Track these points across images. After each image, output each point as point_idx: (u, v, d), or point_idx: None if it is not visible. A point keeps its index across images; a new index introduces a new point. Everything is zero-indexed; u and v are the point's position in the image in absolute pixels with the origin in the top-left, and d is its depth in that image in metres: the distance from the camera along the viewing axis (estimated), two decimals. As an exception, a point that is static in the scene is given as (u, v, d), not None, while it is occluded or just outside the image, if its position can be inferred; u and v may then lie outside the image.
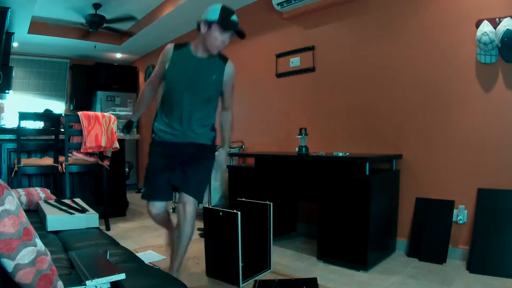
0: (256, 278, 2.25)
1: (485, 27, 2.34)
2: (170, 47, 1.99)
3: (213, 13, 1.86)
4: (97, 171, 3.65)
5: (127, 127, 2.25)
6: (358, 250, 2.42)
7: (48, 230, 1.86)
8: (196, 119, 2.02)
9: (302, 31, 3.63)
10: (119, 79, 6.74)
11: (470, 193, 2.51)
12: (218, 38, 1.88)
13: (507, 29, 2.23)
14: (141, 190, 2.12)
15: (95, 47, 6.05)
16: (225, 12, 1.87)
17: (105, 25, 5.00)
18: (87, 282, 1.02)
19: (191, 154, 2.02)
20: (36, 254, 0.90)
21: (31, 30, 5.09)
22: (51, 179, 3.52)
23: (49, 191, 2.46)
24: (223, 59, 2.06)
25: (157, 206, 2.04)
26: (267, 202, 2.41)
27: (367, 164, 2.43)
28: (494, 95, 2.43)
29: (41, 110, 5.67)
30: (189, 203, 1.93)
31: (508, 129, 2.38)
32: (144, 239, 3.14)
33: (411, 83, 2.83)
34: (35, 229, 0.96)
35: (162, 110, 2.06)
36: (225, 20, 1.86)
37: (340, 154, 2.69)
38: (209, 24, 1.87)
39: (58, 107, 6.72)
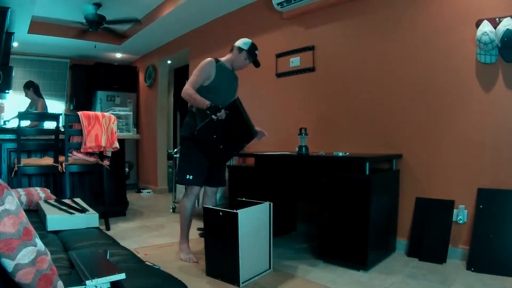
0: (256, 278, 2.26)
1: (485, 27, 2.34)
2: (213, 62, 2.64)
3: (246, 44, 2.69)
4: (97, 171, 3.65)
5: (217, 109, 2.43)
6: (358, 250, 2.42)
7: (48, 230, 1.86)
8: None
9: (302, 31, 3.63)
10: (119, 79, 6.74)
11: (470, 193, 2.51)
12: (244, 62, 2.71)
13: (507, 29, 2.23)
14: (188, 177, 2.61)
15: (95, 47, 6.05)
16: (253, 46, 2.70)
17: (105, 25, 4.99)
18: (87, 282, 1.02)
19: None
20: (36, 254, 0.90)
21: (31, 30, 5.09)
22: (51, 179, 3.52)
23: (49, 191, 2.46)
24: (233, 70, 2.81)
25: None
26: (267, 201, 2.41)
27: (367, 164, 2.43)
28: (494, 95, 2.43)
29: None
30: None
31: (508, 129, 2.38)
32: (144, 239, 3.15)
33: (411, 82, 2.83)
34: (35, 229, 0.96)
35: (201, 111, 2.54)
36: (252, 51, 2.68)
37: (340, 154, 2.69)
38: (240, 50, 2.68)
39: (58, 107, 6.72)
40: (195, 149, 2.59)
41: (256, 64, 2.75)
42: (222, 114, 2.40)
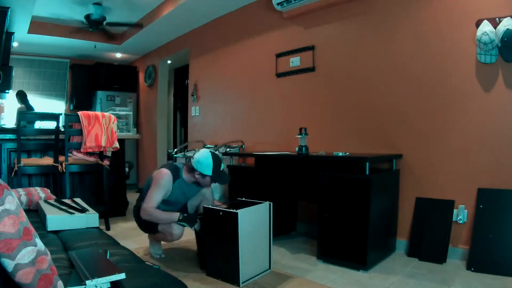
0: (256, 278, 2.26)
1: (485, 26, 2.34)
2: (171, 178, 2.41)
3: (207, 169, 2.40)
4: (97, 171, 3.65)
5: (192, 220, 2.37)
6: (358, 249, 2.42)
7: (48, 229, 1.86)
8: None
9: (302, 31, 3.63)
10: (119, 79, 6.74)
11: (470, 193, 2.51)
12: (210, 183, 2.49)
13: (507, 28, 2.23)
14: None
15: (95, 47, 6.05)
16: (217, 167, 2.41)
17: (105, 25, 4.99)
18: (87, 282, 1.02)
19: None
20: (36, 253, 0.90)
21: (31, 30, 5.09)
22: (51, 179, 3.52)
23: (49, 190, 2.46)
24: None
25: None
26: (267, 201, 2.41)
27: (367, 164, 2.43)
28: (494, 95, 2.43)
29: (41, 110, 5.68)
30: None
31: (508, 129, 2.38)
32: (144, 238, 3.14)
33: (411, 82, 2.83)
34: (35, 229, 0.96)
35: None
36: (218, 176, 2.44)
37: (340, 154, 2.69)
38: (202, 176, 2.42)
39: (58, 107, 6.72)
40: None
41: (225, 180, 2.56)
42: (197, 226, 2.34)
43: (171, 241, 2.51)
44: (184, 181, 2.48)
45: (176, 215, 2.33)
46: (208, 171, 2.40)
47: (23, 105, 5.45)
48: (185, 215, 2.36)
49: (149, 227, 2.46)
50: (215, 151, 4.03)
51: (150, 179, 2.45)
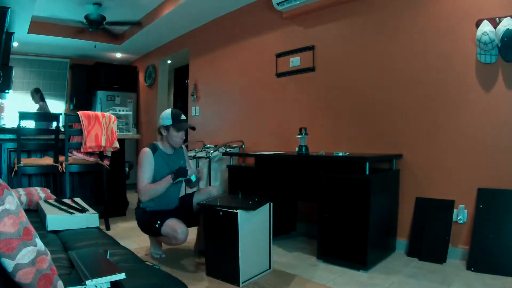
0: (256, 278, 2.26)
1: (485, 26, 2.34)
2: (150, 152, 2.49)
3: (167, 119, 2.50)
4: (97, 170, 3.65)
5: (182, 172, 2.44)
6: (358, 249, 2.42)
7: (48, 229, 1.86)
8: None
9: (302, 30, 3.63)
10: (119, 79, 6.74)
11: (470, 193, 2.51)
12: (177, 136, 2.52)
13: (507, 28, 2.23)
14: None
15: (95, 47, 6.05)
16: (175, 115, 2.51)
17: (105, 25, 5.00)
18: (87, 282, 1.02)
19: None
20: (36, 253, 0.90)
21: (31, 30, 5.09)
22: (51, 178, 3.52)
23: (49, 190, 2.46)
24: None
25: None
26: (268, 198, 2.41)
27: (367, 163, 2.43)
28: (494, 95, 2.43)
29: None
30: None
31: (508, 128, 2.38)
32: (144, 238, 3.14)
33: (411, 82, 2.83)
34: (35, 229, 0.96)
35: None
36: (177, 120, 2.50)
37: (340, 154, 2.69)
38: (167, 128, 2.50)
39: (58, 106, 6.73)
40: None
41: (192, 128, 2.65)
42: (192, 176, 2.45)
43: (176, 245, 2.48)
44: (163, 151, 2.56)
45: (169, 178, 2.41)
46: (168, 121, 2.49)
47: (43, 103, 5.45)
48: (175, 172, 2.42)
49: (152, 230, 2.45)
50: (215, 151, 4.04)
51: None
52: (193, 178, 2.46)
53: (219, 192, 2.66)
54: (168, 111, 2.56)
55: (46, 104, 5.54)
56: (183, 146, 2.74)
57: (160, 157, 2.52)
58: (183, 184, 2.74)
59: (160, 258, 2.64)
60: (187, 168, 2.58)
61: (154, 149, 2.54)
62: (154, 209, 2.51)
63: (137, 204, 2.60)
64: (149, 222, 2.44)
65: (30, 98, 5.51)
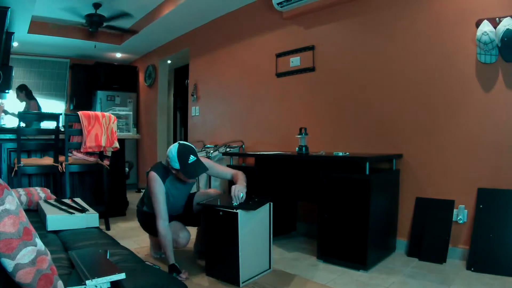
0: (256, 278, 2.26)
1: (485, 26, 2.34)
2: (160, 180, 2.31)
3: (175, 163, 2.27)
4: (97, 170, 3.65)
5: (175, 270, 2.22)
6: (358, 249, 2.42)
7: (48, 229, 1.86)
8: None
9: (302, 30, 3.63)
10: (119, 79, 6.74)
11: (470, 193, 2.51)
12: (187, 177, 2.32)
13: (507, 28, 2.23)
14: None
15: (95, 47, 6.05)
16: (183, 160, 2.25)
17: (105, 24, 5.00)
18: (87, 282, 1.02)
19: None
20: (36, 253, 0.90)
21: (31, 30, 5.09)
22: (51, 178, 3.52)
23: (49, 190, 2.46)
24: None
25: None
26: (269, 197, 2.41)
27: (367, 163, 2.43)
28: (494, 95, 2.43)
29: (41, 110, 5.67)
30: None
31: (508, 129, 2.38)
32: (144, 238, 3.14)
33: (411, 82, 2.83)
34: (35, 229, 0.96)
35: None
36: (185, 168, 2.26)
37: (340, 154, 2.69)
38: (176, 170, 2.30)
39: (58, 106, 6.72)
40: None
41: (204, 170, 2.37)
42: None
43: (175, 249, 2.38)
44: (174, 177, 2.39)
45: (169, 260, 2.22)
46: (176, 165, 2.26)
47: (33, 100, 5.25)
48: (174, 273, 2.17)
49: (153, 231, 2.42)
50: (215, 151, 4.04)
51: (147, 184, 2.39)
52: (241, 195, 2.26)
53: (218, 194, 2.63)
54: (174, 151, 2.27)
55: (37, 103, 5.32)
56: (208, 162, 2.49)
57: (170, 183, 2.37)
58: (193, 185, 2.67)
59: (160, 258, 2.64)
60: (219, 175, 2.55)
61: (165, 175, 2.34)
62: None
63: (140, 205, 2.59)
64: (152, 222, 2.40)
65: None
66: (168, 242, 2.23)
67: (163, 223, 2.24)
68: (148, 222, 2.48)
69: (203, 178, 3.96)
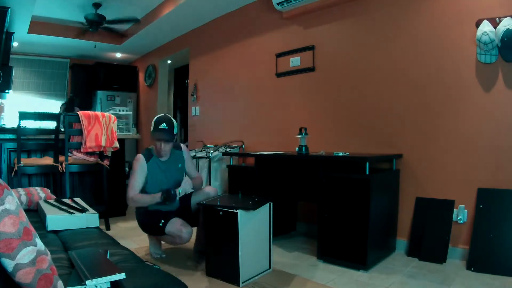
0: (256, 278, 2.26)
1: (485, 26, 2.34)
2: (143, 159, 2.48)
3: (152, 126, 2.46)
4: (97, 170, 3.65)
5: (171, 198, 2.38)
6: (358, 249, 2.42)
7: (48, 229, 1.86)
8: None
9: (302, 30, 3.63)
10: (119, 79, 6.75)
11: (470, 193, 2.51)
12: (159, 146, 2.46)
13: (507, 28, 2.23)
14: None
15: (95, 47, 6.05)
16: (155, 123, 2.44)
17: (105, 24, 5.00)
18: (87, 282, 1.02)
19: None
20: (36, 253, 0.90)
21: (31, 30, 5.09)
22: (51, 178, 3.52)
23: (49, 190, 2.46)
24: (178, 147, 2.67)
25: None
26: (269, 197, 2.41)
27: (367, 163, 2.43)
28: (494, 94, 2.43)
29: (41, 110, 5.68)
30: None
31: (508, 128, 2.38)
32: (144, 238, 3.14)
33: (411, 82, 2.83)
34: (35, 229, 0.96)
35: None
36: (155, 131, 2.43)
37: (340, 154, 2.69)
38: (152, 136, 2.47)
39: (58, 106, 6.72)
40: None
41: (167, 140, 2.44)
42: (177, 203, 2.46)
43: (178, 244, 2.48)
44: (158, 159, 2.51)
45: (158, 196, 2.37)
46: (151, 128, 2.46)
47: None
48: (165, 195, 2.35)
49: (154, 229, 2.45)
50: (215, 151, 4.04)
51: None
52: (180, 191, 2.47)
53: (216, 192, 2.64)
54: (156, 116, 2.51)
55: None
56: (183, 146, 2.71)
57: (154, 163, 2.50)
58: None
59: (160, 258, 2.64)
60: (187, 169, 2.66)
61: (149, 155, 2.51)
62: (156, 209, 2.49)
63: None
64: (152, 221, 2.44)
65: (30, 98, 5.49)
66: (140, 196, 2.42)
67: (132, 192, 2.41)
68: (147, 219, 2.50)
69: (203, 177, 3.96)
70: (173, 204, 2.45)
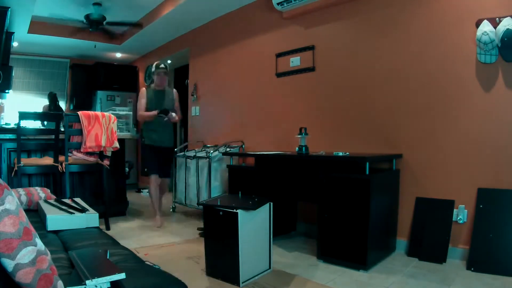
0: (256, 278, 2.26)
1: (485, 26, 2.34)
2: (143, 90, 3.81)
3: (153, 68, 3.83)
4: (97, 170, 3.65)
5: (165, 112, 3.65)
6: (358, 249, 2.42)
7: (48, 229, 1.86)
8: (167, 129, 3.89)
9: (302, 30, 3.63)
10: (119, 79, 6.74)
11: (470, 193, 2.51)
12: (158, 79, 3.79)
13: (507, 28, 2.23)
14: (145, 170, 4.02)
15: (95, 47, 6.05)
16: (156, 65, 3.76)
17: (105, 24, 4.99)
18: (87, 282, 1.02)
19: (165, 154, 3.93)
20: (36, 253, 0.90)
21: (31, 30, 5.09)
22: (51, 178, 3.52)
23: (49, 190, 2.46)
24: (171, 87, 4.11)
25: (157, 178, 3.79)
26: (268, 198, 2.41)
27: (367, 163, 2.43)
28: (494, 94, 2.43)
29: (41, 110, 5.68)
30: (166, 180, 3.99)
31: (508, 128, 2.38)
32: (144, 238, 3.15)
33: (411, 82, 2.83)
34: (35, 229, 0.96)
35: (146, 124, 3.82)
36: (156, 68, 3.76)
37: (340, 154, 2.69)
38: (153, 73, 3.81)
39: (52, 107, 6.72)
40: (150, 152, 3.78)
41: (164, 72, 3.77)
42: (170, 115, 3.66)
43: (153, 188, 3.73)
44: (154, 90, 3.78)
45: (155, 112, 3.62)
46: (153, 69, 3.79)
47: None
48: (161, 111, 3.61)
49: (145, 167, 3.86)
50: (215, 151, 4.04)
51: None
52: (170, 116, 3.68)
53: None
54: (155, 62, 3.78)
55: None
56: (175, 91, 3.96)
57: (151, 91, 3.77)
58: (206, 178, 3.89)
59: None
60: (174, 106, 3.88)
61: (148, 88, 3.82)
62: (151, 144, 3.74)
63: (142, 139, 3.80)
64: (146, 160, 3.91)
65: (31, 98, 5.50)
66: (145, 113, 3.70)
67: (140, 111, 3.73)
68: (145, 155, 3.91)
69: (203, 177, 3.96)
70: (166, 117, 3.66)
